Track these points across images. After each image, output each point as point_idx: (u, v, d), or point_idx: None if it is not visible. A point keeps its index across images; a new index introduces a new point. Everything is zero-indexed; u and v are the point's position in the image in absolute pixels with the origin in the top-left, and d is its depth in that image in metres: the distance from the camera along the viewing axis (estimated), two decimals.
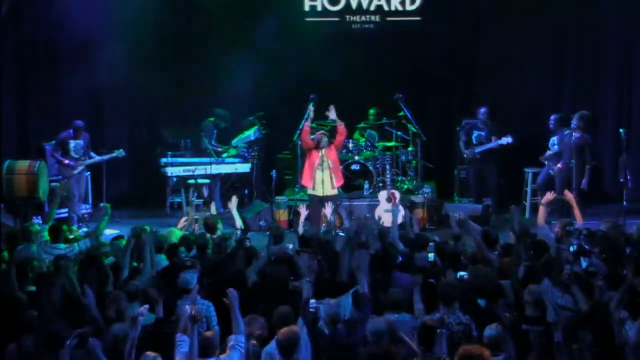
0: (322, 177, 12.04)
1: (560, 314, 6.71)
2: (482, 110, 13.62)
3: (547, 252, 8.16)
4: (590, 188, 12.82)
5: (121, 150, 13.33)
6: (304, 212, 10.81)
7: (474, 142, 13.61)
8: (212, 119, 14.21)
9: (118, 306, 6.98)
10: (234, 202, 10.85)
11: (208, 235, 9.63)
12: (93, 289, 7.15)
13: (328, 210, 10.75)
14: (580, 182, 12.66)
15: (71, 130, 13.00)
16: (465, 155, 13.74)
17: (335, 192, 12.25)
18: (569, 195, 10.16)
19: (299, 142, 12.92)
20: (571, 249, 8.27)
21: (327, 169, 12.07)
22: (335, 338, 6.62)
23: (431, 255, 8.47)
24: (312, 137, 12.17)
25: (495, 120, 13.71)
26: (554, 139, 13.25)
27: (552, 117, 13.30)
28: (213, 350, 6.25)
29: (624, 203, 12.52)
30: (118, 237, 9.53)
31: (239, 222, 10.63)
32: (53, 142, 13.24)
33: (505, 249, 8.65)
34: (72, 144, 12.99)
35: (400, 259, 8.45)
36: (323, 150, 12.08)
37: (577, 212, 9.83)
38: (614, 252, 8.21)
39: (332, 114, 12.21)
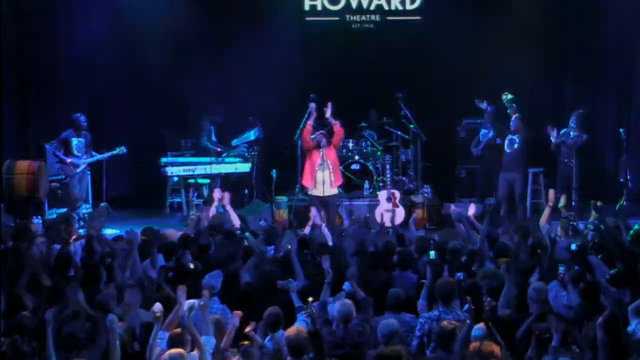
0: (322, 177, 12.03)
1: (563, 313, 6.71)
2: (490, 109, 13.59)
3: (546, 251, 8.18)
4: (590, 188, 12.81)
5: (123, 147, 13.21)
6: (313, 216, 10.70)
7: (480, 140, 13.58)
8: (206, 118, 14.26)
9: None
10: (227, 199, 10.81)
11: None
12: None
13: (314, 212, 10.71)
14: (580, 182, 12.67)
15: (72, 130, 12.97)
16: (474, 153, 13.65)
17: (335, 191, 12.25)
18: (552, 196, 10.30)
19: (299, 142, 12.92)
20: (572, 247, 8.27)
21: (327, 169, 12.07)
22: (347, 337, 6.66)
23: (432, 254, 8.46)
24: (312, 136, 12.17)
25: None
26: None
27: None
28: (184, 346, 6.22)
29: (624, 203, 12.52)
30: (118, 238, 9.51)
31: (236, 220, 10.58)
32: (54, 142, 13.21)
33: (501, 249, 8.65)
34: (74, 142, 12.91)
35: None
36: (323, 151, 12.08)
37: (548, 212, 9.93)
38: (614, 250, 8.21)
39: (328, 111, 12.16)
